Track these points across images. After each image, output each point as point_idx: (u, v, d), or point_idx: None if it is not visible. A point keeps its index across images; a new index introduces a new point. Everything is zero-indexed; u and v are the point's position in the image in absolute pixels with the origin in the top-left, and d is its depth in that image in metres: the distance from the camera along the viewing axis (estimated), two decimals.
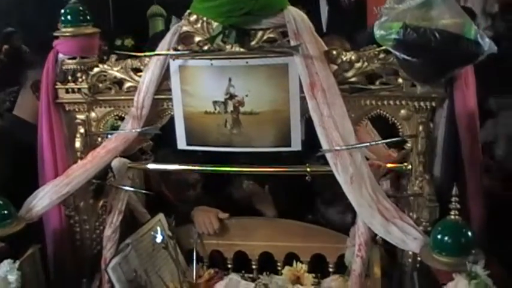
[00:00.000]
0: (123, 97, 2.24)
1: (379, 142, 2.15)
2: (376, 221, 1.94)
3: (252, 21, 2.01)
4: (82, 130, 2.29)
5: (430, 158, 2.07)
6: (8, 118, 2.83)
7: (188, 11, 2.12)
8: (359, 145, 1.98)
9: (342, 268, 2.46)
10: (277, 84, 2.06)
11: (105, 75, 2.25)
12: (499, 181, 2.77)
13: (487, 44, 1.83)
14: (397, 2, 1.88)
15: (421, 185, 2.07)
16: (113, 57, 2.23)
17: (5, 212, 2.05)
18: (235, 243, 2.60)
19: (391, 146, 2.34)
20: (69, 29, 2.20)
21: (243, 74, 2.08)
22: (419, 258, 2.04)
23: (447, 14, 1.85)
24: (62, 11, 2.20)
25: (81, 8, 2.22)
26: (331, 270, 2.52)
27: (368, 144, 2.06)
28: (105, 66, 2.23)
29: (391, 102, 2.06)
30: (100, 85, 2.26)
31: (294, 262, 2.54)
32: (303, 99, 2.05)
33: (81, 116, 2.29)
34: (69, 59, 2.24)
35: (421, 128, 2.04)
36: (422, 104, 2.02)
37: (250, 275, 2.59)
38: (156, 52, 2.12)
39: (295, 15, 2.01)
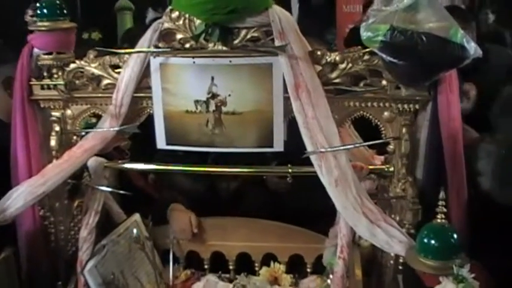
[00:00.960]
0: (100, 94, 2.17)
1: (364, 144, 2.14)
2: (361, 224, 1.93)
3: (236, 19, 1.97)
4: (57, 128, 2.21)
5: (413, 161, 2.08)
6: None
7: (170, 7, 2.07)
8: (344, 147, 1.97)
9: (319, 268, 2.45)
10: (261, 84, 2.03)
11: (82, 72, 2.18)
12: None
13: (473, 48, 1.84)
14: (385, 4, 1.87)
15: (404, 187, 2.07)
16: (91, 53, 2.16)
17: None
18: (212, 243, 2.56)
19: (371, 147, 2.34)
20: (46, 23, 2.11)
21: (226, 73, 2.04)
22: (401, 260, 2.06)
23: (433, 17, 1.85)
24: (38, 4, 2.12)
25: (57, 1, 2.14)
26: (309, 270, 2.51)
27: (354, 145, 2.05)
28: (82, 62, 2.16)
29: (375, 104, 2.05)
30: (77, 82, 2.19)
31: (272, 263, 2.52)
32: (286, 100, 2.03)
33: (56, 114, 2.21)
34: (44, 54, 2.15)
35: (404, 130, 2.04)
36: (406, 106, 2.01)
37: (227, 276, 2.55)
38: (136, 49, 2.06)
39: (280, 14, 1.98)
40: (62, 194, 2.27)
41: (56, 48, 2.15)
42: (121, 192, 2.29)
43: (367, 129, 2.24)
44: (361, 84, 2.04)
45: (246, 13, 1.96)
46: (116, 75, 2.13)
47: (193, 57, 2.03)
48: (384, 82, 2.02)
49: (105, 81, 2.16)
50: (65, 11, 2.15)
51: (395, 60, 1.85)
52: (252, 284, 2.47)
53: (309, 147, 1.97)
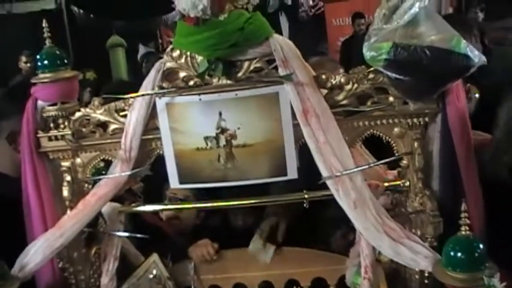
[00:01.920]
0: (109, 140, 2.16)
1: (378, 163, 2.13)
2: (384, 243, 1.92)
3: (238, 52, 1.97)
4: (68, 178, 2.19)
5: (428, 174, 2.07)
6: None
7: (171, 46, 2.07)
8: (360, 168, 1.96)
9: None
10: (269, 114, 2.03)
11: (87, 119, 2.17)
12: None
13: (477, 57, 1.84)
14: (385, 22, 1.88)
15: (422, 201, 2.05)
16: (96, 100, 2.15)
17: None
18: (232, 275, 2.55)
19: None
20: (48, 75, 2.10)
21: (233, 107, 2.03)
22: (426, 274, 2.05)
23: (434, 30, 1.86)
24: (38, 56, 2.11)
25: (57, 51, 2.13)
26: None
27: (369, 166, 2.03)
28: (88, 110, 2.15)
29: (384, 121, 2.04)
30: (83, 129, 2.17)
31: None
32: (295, 127, 2.03)
33: (66, 163, 2.20)
34: (49, 105, 2.15)
35: (416, 144, 2.03)
36: (415, 120, 2.01)
37: None
38: (141, 92, 2.05)
39: (281, 43, 1.98)
40: (79, 243, 2.23)
41: (60, 99, 2.14)
42: (138, 236, 2.26)
43: (376, 145, 2.25)
44: (369, 103, 2.04)
45: (247, 45, 1.96)
46: (122, 119, 2.12)
47: (199, 94, 2.03)
48: (391, 99, 2.01)
49: (112, 127, 2.14)
50: (65, 60, 2.14)
51: (401, 77, 1.85)
52: None
53: (324, 172, 1.97)
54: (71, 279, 2.25)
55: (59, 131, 2.16)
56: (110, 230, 2.22)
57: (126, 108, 2.12)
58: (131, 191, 2.34)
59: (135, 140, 2.09)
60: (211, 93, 2.03)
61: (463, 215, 1.73)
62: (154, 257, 2.45)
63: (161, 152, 2.14)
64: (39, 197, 2.17)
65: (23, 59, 5.83)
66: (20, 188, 2.20)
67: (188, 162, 2.11)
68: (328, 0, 7.77)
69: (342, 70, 2.93)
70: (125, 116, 2.12)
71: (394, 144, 2.08)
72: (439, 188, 2.08)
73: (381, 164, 2.14)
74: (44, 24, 2.13)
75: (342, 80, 2.03)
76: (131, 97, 2.08)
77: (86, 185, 2.23)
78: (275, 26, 2.10)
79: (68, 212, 2.17)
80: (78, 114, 2.16)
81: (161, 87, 2.06)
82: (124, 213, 2.27)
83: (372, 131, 2.07)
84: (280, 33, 2.25)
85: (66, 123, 2.16)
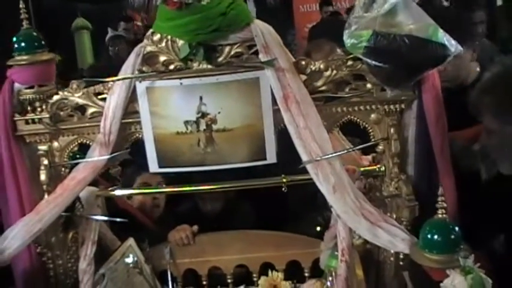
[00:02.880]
0: (87, 124, 2.15)
1: (357, 148, 2.17)
2: (362, 226, 1.97)
3: (220, 37, 1.98)
4: (46, 162, 2.17)
5: (403, 159, 2.12)
6: None
7: (151, 30, 2.06)
8: (338, 153, 2.00)
9: (317, 272, 2.48)
10: (250, 99, 2.05)
11: (65, 103, 2.14)
12: None
13: (453, 46, 1.89)
14: (365, 10, 1.91)
15: (397, 185, 2.11)
16: (74, 83, 2.13)
17: None
18: (208, 259, 2.57)
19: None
20: (24, 57, 2.08)
21: (214, 91, 2.04)
22: (401, 256, 2.11)
23: (411, 19, 1.89)
24: (15, 38, 2.08)
25: (34, 33, 2.11)
26: (306, 275, 2.54)
27: (347, 150, 2.08)
28: (66, 93, 2.13)
29: (362, 107, 2.09)
30: (61, 113, 2.15)
31: (270, 271, 2.54)
32: (275, 112, 2.05)
33: (43, 147, 2.17)
34: (26, 88, 2.12)
35: (392, 130, 2.09)
36: (392, 107, 2.06)
37: None
38: (122, 76, 2.04)
39: (262, 28, 2.00)
40: (57, 227, 2.22)
41: (37, 81, 2.12)
42: (118, 220, 2.25)
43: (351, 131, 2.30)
44: (347, 90, 2.08)
45: (229, 30, 1.97)
46: (101, 103, 2.11)
47: (180, 78, 2.03)
48: (369, 85, 2.06)
49: (91, 110, 2.13)
50: (43, 42, 2.12)
51: (380, 64, 1.88)
52: None
53: (303, 157, 2.00)
54: (49, 264, 2.23)
55: (36, 114, 2.14)
56: (87, 214, 2.21)
57: (105, 91, 2.11)
58: (106, 175, 2.31)
59: (114, 123, 2.08)
60: (192, 77, 2.03)
61: (439, 198, 1.79)
62: (131, 241, 2.45)
63: (140, 136, 2.14)
64: (16, 182, 2.15)
65: None
66: None
67: (168, 146, 2.12)
68: None
69: (339, 51, 2.95)
70: (103, 99, 2.11)
71: (370, 130, 2.13)
72: (414, 173, 2.14)
73: (358, 149, 2.18)
74: (20, 5, 2.10)
75: (321, 66, 2.06)
76: (111, 81, 2.06)
77: (63, 169, 2.21)
78: None
79: (46, 196, 2.15)
80: (56, 97, 2.14)
81: (141, 71, 2.05)
82: (101, 197, 2.26)
83: (349, 116, 2.11)
84: None
85: (43, 107, 2.14)
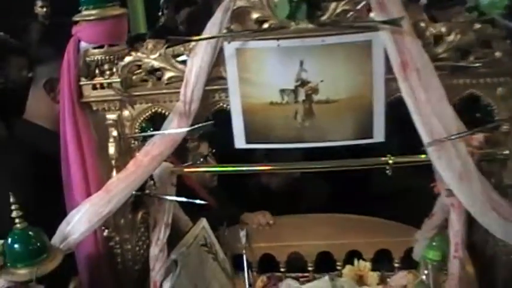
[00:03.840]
0: (164, 90, 1.84)
1: (480, 129, 1.83)
2: (493, 221, 1.67)
3: None
4: (115, 133, 1.88)
5: None
6: (20, 126, 2.24)
7: None
8: (467, 132, 1.68)
9: (408, 263, 2.20)
10: (359, 66, 1.72)
11: (139, 65, 1.85)
12: None
13: None
14: None
15: None
16: (149, 43, 1.83)
17: (38, 244, 1.63)
18: (288, 244, 2.29)
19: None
20: (93, 12, 1.76)
21: (318, 56, 1.72)
22: None
23: None
24: None
25: None
26: (396, 266, 2.26)
27: (475, 131, 1.75)
28: (140, 54, 1.82)
29: (488, 79, 1.75)
30: (133, 77, 1.86)
31: (355, 260, 2.27)
32: (387, 82, 1.73)
33: (112, 116, 1.88)
34: (94, 48, 1.82)
35: None
36: None
37: (307, 277, 2.29)
38: (208, 35, 1.72)
39: None
40: (126, 208, 1.94)
41: (107, 40, 1.81)
42: (196, 202, 1.95)
43: None
44: (471, 58, 1.75)
45: None
46: (180, 66, 1.80)
47: (277, 39, 1.71)
48: (498, 53, 1.72)
49: (168, 74, 1.82)
50: None
51: None
52: (340, 286, 2.21)
53: (424, 137, 1.68)
54: (116, 249, 1.97)
55: (105, 78, 1.84)
56: (161, 194, 1.92)
57: (185, 53, 1.80)
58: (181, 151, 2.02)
59: (197, 90, 1.77)
60: (292, 37, 1.71)
61: None
62: (203, 222, 2.18)
63: (225, 106, 1.84)
64: (80, 155, 1.87)
65: (39, 3, 5.55)
66: (58, 143, 1.89)
67: (258, 118, 1.81)
68: None
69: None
70: (183, 62, 1.80)
71: (494, 107, 1.80)
72: None
73: (488, 129, 1.85)
74: None
75: (444, 29, 1.72)
76: (194, 40, 1.75)
77: (134, 142, 1.93)
78: None
79: (114, 172, 1.88)
80: (128, 58, 1.83)
81: (230, 30, 1.74)
82: (176, 174, 1.98)
83: (471, 89, 1.78)
84: None
85: (113, 70, 1.84)
